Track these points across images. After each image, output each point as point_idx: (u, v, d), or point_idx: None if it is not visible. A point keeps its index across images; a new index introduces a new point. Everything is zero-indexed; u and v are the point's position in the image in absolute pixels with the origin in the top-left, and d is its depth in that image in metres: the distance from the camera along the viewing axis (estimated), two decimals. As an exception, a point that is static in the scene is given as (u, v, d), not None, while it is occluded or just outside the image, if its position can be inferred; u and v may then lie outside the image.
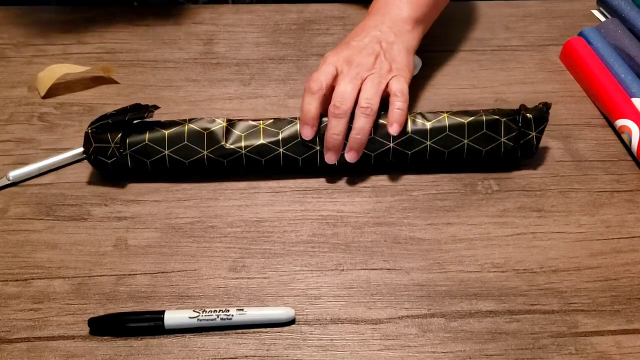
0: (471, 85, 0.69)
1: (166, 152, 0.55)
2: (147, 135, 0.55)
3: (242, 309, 0.45)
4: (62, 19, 0.79)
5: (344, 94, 0.55)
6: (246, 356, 0.44)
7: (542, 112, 0.56)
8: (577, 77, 0.70)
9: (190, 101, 0.66)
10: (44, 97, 0.66)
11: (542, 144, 0.61)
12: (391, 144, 0.56)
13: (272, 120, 0.56)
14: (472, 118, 0.56)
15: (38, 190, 0.56)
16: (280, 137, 0.55)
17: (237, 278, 0.49)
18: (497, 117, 0.56)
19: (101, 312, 0.46)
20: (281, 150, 0.55)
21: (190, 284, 0.48)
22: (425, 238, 0.52)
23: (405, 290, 0.48)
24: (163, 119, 0.58)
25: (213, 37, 0.76)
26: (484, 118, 0.56)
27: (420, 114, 0.57)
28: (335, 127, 0.54)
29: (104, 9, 0.81)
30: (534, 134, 0.57)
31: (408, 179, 0.58)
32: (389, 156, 0.57)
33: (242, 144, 0.55)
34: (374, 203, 0.55)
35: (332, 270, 0.50)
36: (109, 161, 0.54)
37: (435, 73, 0.71)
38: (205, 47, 0.75)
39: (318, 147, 0.56)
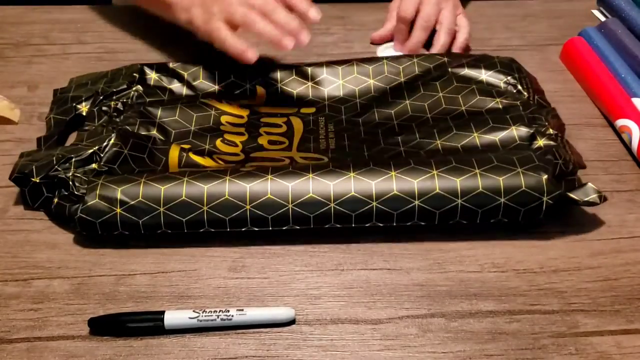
0: (471, 85, 0.68)
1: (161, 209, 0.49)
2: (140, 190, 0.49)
3: (242, 310, 0.45)
4: (62, 19, 0.79)
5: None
6: (246, 356, 0.44)
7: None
8: (577, 77, 0.70)
9: (190, 101, 0.66)
10: None
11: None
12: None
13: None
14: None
15: (38, 190, 0.56)
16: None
17: (237, 278, 0.49)
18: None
19: (101, 312, 0.46)
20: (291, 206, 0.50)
21: (190, 284, 0.48)
22: (425, 238, 0.52)
23: (405, 290, 0.48)
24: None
25: (213, 37, 0.76)
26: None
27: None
28: None
29: (104, 9, 0.81)
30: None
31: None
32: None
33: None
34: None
35: (332, 270, 0.50)
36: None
37: (436, 73, 0.71)
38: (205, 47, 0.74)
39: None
